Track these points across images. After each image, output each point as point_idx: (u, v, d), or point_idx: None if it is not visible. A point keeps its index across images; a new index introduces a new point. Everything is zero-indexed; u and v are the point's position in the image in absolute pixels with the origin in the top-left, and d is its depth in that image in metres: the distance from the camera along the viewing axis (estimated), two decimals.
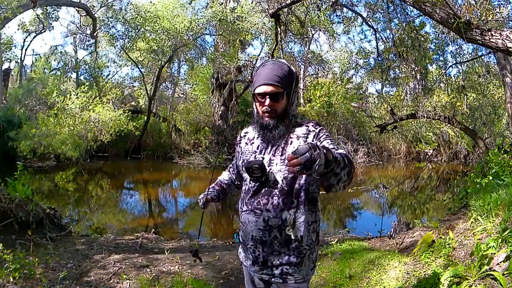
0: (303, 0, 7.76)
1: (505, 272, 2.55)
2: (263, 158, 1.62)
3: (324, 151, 1.17)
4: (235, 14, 12.66)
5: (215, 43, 15.87)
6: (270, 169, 1.59)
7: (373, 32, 9.09)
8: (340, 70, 19.89)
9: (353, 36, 32.21)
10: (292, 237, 1.56)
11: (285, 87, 1.57)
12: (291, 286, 1.60)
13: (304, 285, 1.61)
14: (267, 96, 1.56)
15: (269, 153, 1.62)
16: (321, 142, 1.53)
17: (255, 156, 1.67)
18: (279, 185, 1.57)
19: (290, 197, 1.56)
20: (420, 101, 11.19)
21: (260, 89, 1.57)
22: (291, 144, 1.58)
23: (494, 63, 10.99)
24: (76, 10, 14.79)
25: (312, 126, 1.61)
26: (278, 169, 1.57)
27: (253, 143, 1.71)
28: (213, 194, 1.93)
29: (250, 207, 1.64)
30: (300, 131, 1.60)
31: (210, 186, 1.99)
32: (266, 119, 1.59)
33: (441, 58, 11.77)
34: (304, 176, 1.53)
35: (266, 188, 1.60)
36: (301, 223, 1.55)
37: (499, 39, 4.09)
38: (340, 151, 1.37)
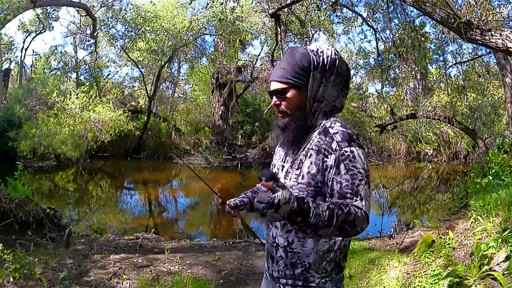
0: (303, 0, 7.76)
1: (505, 272, 2.55)
2: (282, 168, 1.42)
3: (292, 208, 1.04)
4: (235, 14, 12.66)
5: (215, 43, 15.87)
6: (285, 182, 1.36)
7: (373, 32, 9.10)
8: None
9: (353, 36, 32.18)
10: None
11: (292, 79, 1.32)
12: None
13: None
14: (273, 94, 1.39)
15: (288, 163, 1.40)
16: (331, 181, 1.25)
17: (275, 163, 1.50)
18: None
19: None
20: (420, 101, 11.19)
21: (270, 87, 1.40)
22: (309, 158, 1.31)
23: (494, 63, 10.99)
24: (76, 10, 14.78)
25: (337, 143, 1.26)
26: (291, 185, 1.33)
27: (280, 144, 1.50)
28: (238, 200, 1.51)
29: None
30: (322, 142, 1.29)
31: (244, 192, 1.63)
32: (280, 118, 1.40)
33: (441, 58, 11.80)
34: (317, 200, 1.30)
35: None
36: (309, 249, 1.33)
37: (499, 39, 4.09)
38: (351, 203, 1.18)
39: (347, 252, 1.43)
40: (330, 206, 1.14)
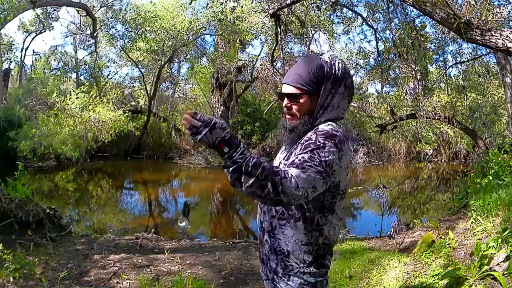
0: (303, 0, 7.76)
1: (505, 272, 2.55)
2: (279, 159, 1.56)
3: (222, 136, 1.18)
4: (235, 14, 12.66)
5: (215, 43, 15.87)
6: None
7: (373, 32, 9.09)
8: None
9: (353, 36, 32.23)
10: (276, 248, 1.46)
11: (306, 86, 1.41)
12: None
13: None
14: (285, 97, 1.47)
15: (282, 154, 1.55)
16: (293, 156, 1.33)
17: (276, 159, 1.62)
18: None
19: (282, 207, 1.44)
20: (420, 101, 11.18)
21: (282, 89, 1.49)
22: (295, 150, 1.41)
23: (494, 63, 10.98)
24: (76, 10, 14.76)
25: (316, 135, 1.36)
26: None
27: (284, 141, 1.59)
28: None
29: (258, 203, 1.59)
30: (309, 137, 1.39)
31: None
32: (287, 120, 1.49)
33: (441, 58, 11.79)
34: None
35: None
36: (288, 237, 1.43)
37: (499, 39, 4.09)
38: (288, 170, 1.22)
39: (329, 250, 1.49)
40: (261, 159, 1.20)
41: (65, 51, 19.46)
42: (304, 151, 1.30)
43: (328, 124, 1.44)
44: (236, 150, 1.19)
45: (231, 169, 1.18)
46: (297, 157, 1.29)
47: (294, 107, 1.46)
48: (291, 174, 1.21)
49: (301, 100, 1.44)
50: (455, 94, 11.91)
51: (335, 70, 1.43)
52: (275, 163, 1.56)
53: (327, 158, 1.28)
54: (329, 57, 1.47)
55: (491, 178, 5.09)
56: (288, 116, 1.49)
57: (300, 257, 1.43)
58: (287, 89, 1.46)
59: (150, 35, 13.95)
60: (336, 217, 1.47)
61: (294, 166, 1.26)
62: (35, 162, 11.35)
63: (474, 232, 3.40)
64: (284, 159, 1.48)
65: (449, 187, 11.01)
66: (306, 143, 1.35)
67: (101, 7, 14.51)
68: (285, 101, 1.47)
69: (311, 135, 1.39)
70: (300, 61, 1.52)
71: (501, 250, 2.75)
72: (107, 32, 14.49)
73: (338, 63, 1.46)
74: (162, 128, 15.75)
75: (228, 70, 14.15)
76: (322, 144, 1.30)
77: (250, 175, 1.16)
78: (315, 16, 10.64)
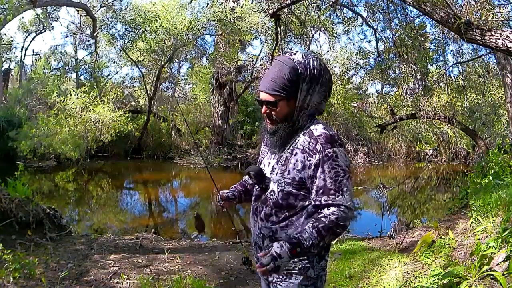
0: (303, 0, 7.76)
1: (505, 272, 2.55)
2: (268, 164, 1.58)
3: (286, 257, 1.31)
4: (235, 14, 12.66)
5: (215, 43, 15.86)
6: (271, 176, 1.53)
7: (373, 32, 9.11)
8: (340, 70, 19.88)
9: (353, 36, 32.25)
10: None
11: (282, 92, 1.42)
12: None
13: None
14: (263, 104, 1.48)
15: (275, 159, 1.55)
16: (314, 178, 1.39)
17: (261, 159, 1.66)
18: (274, 196, 1.50)
19: (283, 211, 1.48)
20: (420, 101, 11.18)
21: (260, 96, 1.50)
22: (295, 156, 1.45)
23: (494, 63, 10.98)
24: (76, 10, 14.77)
25: (321, 145, 1.39)
26: (277, 180, 1.49)
27: (266, 143, 1.66)
28: (230, 193, 1.73)
29: (252, 211, 1.62)
30: (307, 143, 1.43)
31: (233, 185, 1.81)
32: (267, 124, 1.52)
33: (441, 58, 11.79)
34: (301, 193, 1.46)
35: (264, 195, 1.54)
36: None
37: (499, 39, 4.09)
38: (344, 197, 1.37)
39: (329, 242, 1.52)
40: (313, 224, 1.35)
41: (65, 51, 19.46)
42: (324, 171, 1.38)
43: (318, 123, 1.47)
44: (303, 243, 1.33)
45: (311, 250, 1.36)
46: (325, 182, 1.38)
47: (273, 113, 1.47)
48: (338, 205, 1.37)
49: (278, 106, 1.45)
50: (455, 94, 11.92)
51: (310, 70, 1.43)
52: (267, 169, 1.58)
53: (345, 162, 1.40)
54: (302, 56, 1.45)
55: (491, 178, 5.10)
56: (268, 121, 1.52)
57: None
58: (263, 96, 1.46)
59: (150, 35, 13.94)
60: None
61: (332, 193, 1.38)
62: (35, 162, 11.36)
63: (474, 232, 3.40)
64: (278, 163, 1.51)
65: (449, 187, 11.01)
66: (317, 157, 1.40)
67: (101, 7, 14.51)
68: (263, 108, 1.49)
69: (309, 140, 1.43)
70: (272, 66, 1.49)
71: (501, 250, 2.75)
72: (107, 32, 14.48)
73: (313, 61, 1.44)
74: (162, 128, 15.74)
75: (228, 70, 14.14)
76: (333, 154, 1.39)
77: (322, 239, 1.35)
78: (315, 16, 10.64)
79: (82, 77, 18.82)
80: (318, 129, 1.44)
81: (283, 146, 1.51)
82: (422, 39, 8.51)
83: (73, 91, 12.93)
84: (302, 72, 1.42)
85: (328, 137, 1.41)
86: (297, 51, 1.50)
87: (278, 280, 1.51)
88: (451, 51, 11.23)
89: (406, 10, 7.75)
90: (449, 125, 12.27)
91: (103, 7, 14.48)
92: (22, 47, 18.44)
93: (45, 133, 11.03)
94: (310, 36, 13.88)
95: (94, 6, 14.30)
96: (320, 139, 1.40)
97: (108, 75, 19.10)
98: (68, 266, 3.58)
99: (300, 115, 1.47)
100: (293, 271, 1.48)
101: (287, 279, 1.49)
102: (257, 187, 1.59)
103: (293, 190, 1.45)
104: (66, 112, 11.99)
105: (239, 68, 14.49)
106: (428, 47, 9.53)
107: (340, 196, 1.37)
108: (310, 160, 1.41)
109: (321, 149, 1.39)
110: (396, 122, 12.05)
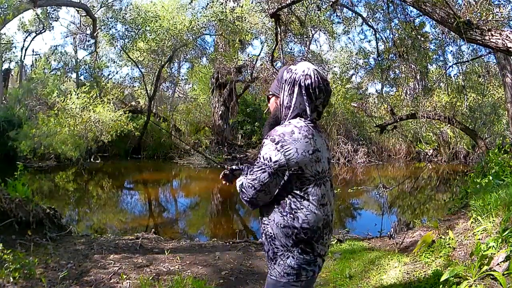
0: (303, 0, 7.76)
1: (505, 272, 2.55)
2: None
3: (240, 183, 1.76)
4: (235, 14, 12.66)
5: (215, 43, 15.87)
6: None
7: (373, 32, 9.10)
8: (340, 70, 19.90)
9: (353, 36, 32.25)
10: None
11: (273, 90, 1.80)
12: (268, 277, 1.71)
13: (275, 284, 1.66)
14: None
15: None
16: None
17: None
18: None
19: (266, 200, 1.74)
20: (420, 101, 11.19)
21: None
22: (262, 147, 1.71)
23: (494, 63, 10.99)
24: (76, 10, 14.79)
25: (266, 139, 1.64)
26: None
27: None
28: (235, 167, 2.04)
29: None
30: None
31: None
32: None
33: (441, 58, 11.80)
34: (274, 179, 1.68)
35: None
36: (271, 221, 1.65)
37: (499, 39, 4.09)
38: (248, 177, 1.67)
39: (314, 236, 1.61)
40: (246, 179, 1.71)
41: (65, 51, 19.53)
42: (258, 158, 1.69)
43: (290, 123, 1.65)
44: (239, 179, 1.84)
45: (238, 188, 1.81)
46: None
47: (269, 106, 1.86)
48: (247, 180, 1.69)
49: (270, 101, 1.84)
50: (455, 94, 11.93)
51: (292, 74, 1.67)
52: None
53: (265, 154, 1.60)
54: (296, 65, 1.71)
55: (491, 178, 5.09)
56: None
57: (282, 240, 1.61)
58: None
59: (150, 35, 13.94)
60: (315, 203, 1.60)
61: (252, 167, 1.71)
62: (35, 162, 11.36)
63: (474, 232, 3.40)
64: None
65: (449, 187, 11.00)
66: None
67: (101, 7, 14.52)
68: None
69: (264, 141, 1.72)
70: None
71: (501, 250, 2.75)
72: (107, 32, 14.48)
73: (302, 70, 1.66)
74: (162, 128, 15.74)
75: (228, 70, 14.15)
76: (263, 144, 1.63)
77: (240, 190, 1.75)
78: (315, 16, 10.64)
79: (82, 77, 18.86)
80: (279, 127, 1.65)
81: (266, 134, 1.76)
82: (422, 39, 8.51)
83: (73, 91, 12.94)
84: (285, 75, 1.69)
85: (274, 131, 1.63)
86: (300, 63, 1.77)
87: (269, 265, 1.69)
88: (451, 51, 11.23)
89: (406, 10, 7.75)
90: (449, 125, 12.28)
91: (103, 7, 14.49)
92: (22, 47, 18.48)
93: (45, 133, 11.03)
94: (310, 36, 13.89)
95: (94, 6, 14.32)
96: (270, 135, 1.63)
97: (108, 75, 19.13)
98: (68, 266, 3.57)
99: (284, 112, 1.69)
100: (278, 258, 1.64)
101: (274, 264, 1.65)
102: None
103: None
104: (66, 112, 12.00)
105: (239, 68, 14.50)
106: (428, 47, 9.53)
107: (249, 176, 1.67)
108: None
109: (263, 143, 1.65)
110: (396, 122, 12.05)
